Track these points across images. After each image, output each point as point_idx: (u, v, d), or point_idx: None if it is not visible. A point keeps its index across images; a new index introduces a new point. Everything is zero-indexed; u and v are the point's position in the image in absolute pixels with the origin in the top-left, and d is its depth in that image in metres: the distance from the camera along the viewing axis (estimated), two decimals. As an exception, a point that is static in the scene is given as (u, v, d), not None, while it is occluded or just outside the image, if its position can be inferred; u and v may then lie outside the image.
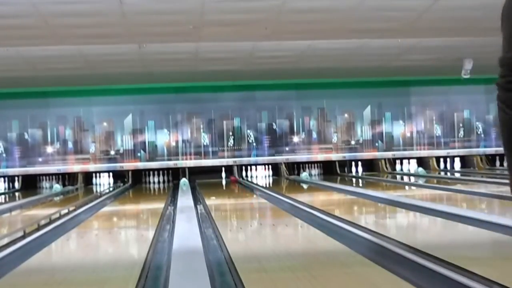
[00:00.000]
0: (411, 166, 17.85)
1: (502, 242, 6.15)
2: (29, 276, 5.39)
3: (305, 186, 15.22)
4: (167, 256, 5.96)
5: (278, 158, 16.73)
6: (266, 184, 15.59)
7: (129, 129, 16.35)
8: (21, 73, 13.28)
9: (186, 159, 16.45)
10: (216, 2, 8.38)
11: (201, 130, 16.56)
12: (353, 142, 16.93)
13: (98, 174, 16.98)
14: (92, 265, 5.80)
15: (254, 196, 12.73)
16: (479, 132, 17.33)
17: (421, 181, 15.28)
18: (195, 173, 16.77)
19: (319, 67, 14.10)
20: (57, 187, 16.13)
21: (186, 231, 7.43)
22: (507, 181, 12.44)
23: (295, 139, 16.78)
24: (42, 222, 8.43)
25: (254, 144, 16.66)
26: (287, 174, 17.08)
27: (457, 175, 16.51)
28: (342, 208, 10.28)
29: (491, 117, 17.37)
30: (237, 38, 10.76)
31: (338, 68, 14.31)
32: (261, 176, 17.15)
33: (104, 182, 16.98)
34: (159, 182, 17.02)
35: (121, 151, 16.30)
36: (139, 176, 17.08)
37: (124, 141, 16.32)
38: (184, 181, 15.60)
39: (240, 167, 16.95)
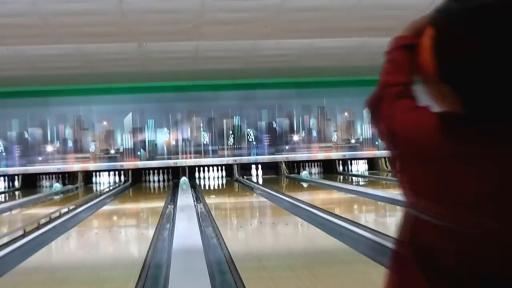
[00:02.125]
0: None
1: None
2: (29, 274, 5.39)
3: (305, 184, 15.22)
4: (167, 254, 5.96)
5: (278, 157, 16.73)
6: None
7: (129, 128, 16.35)
8: (21, 72, 13.27)
9: (186, 158, 16.45)
10: (215, 1, 8.38)
11: (201, 129, 16.55)
12: (353, 141, 16.93)
13: (98, 173, 16.99)
14: (92, 264, 5.80)
15: (254, 195, 12.74)
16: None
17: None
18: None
19: (319, 65, 14.09)
20: (57, 186, 16.13)
21: (186, 230, 7.44)
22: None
23: (295, 137, 16.77)
24: (42, 221, 8.43)
25: (254, 142, 16.66)
26: (287, 173, 17.08)
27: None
28: (342, 206, 10.29)
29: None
30: (237, 37, 10.75)
31: (338, 66, 14.30)
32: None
33: (104, 181, 16.99)
34: (159, 181, 17.03)
35: (121, 150, 16.30)
36: (139, 174, 17.09)
37: (124, 140, 16.32)
38: (184, 180, 15.60)
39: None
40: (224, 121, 16.60)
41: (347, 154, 16.99)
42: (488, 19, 1.13)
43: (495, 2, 1.13)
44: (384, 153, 17.19)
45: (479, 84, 1.14)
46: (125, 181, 16.80)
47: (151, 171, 17.08)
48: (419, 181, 1.25)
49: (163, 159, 16.40)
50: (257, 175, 17.37)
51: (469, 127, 1.16)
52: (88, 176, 16.95)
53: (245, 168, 17.27)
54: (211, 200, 12.16)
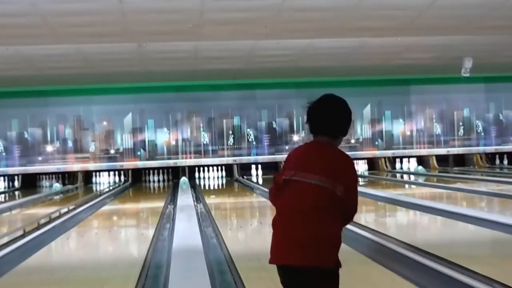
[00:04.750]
0: (411, 165, 17.86)
1: (502, 240, 6.15)
2: (29, 275, 5.39)
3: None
4: (167, 254, 5.96)
5: (278, 157, 16.72)
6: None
7: (129, 128, 16.34)
8: (21, 72, 13.26)
9: (186, 158, 16.45)
10: (215, 1, 8.37)
11: (201, 129, 16.55)
12: (353, 141, 16.93)
13: (98, 173, 16.99)
14: (92, 264, 5.80)
15: (254, 195, 12.74)
16: (479, 131, 17.33)
17: (421, 180, 15.28)
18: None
19: (319, 65, 14.08)
20: (57, 186, 16.13)
21: (186, 230, 7.44)
22: (507, 179, 12.42)
23: (295, 137, 16.77)
24: (42, 221, 8.43)
25: (254, 142, 16.66)
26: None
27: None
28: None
29: (491, 116, 17.37)
30: (236, 37, 10.74)
31: (338, 66, 14.29)
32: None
33: (104, 181, 16.99)
34: (159, 181, 17.03)
35: (121, 150, 16.30)
36: (139, 174, 17.09)
37: (124, 140, 16.32)
38: (184, 180, 15.60)
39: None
40: (224, 121, 16.60)
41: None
42: (311, 108, 2.85)
43: (313, 105, 2.87)
44: (384, 153, 17.20)
45: (311, 125, 2.81)
46: (125, 181, 16.80)
47: (151, 171, 17.08)
48: (292, 163, 2.77)
49: (163, 159, 16.40)
50: (257, 175, 17.38)
51: (314, 139, 2.82)
52: (88, 176, 16.96)
53: (245, 168, 17.28)
54: (211, 200, 12.17)
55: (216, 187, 15.66)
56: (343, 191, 2.67)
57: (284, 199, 2.71)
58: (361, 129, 16.94)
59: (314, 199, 2.64)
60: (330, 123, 2.80)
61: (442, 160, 17.94)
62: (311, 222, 2.64)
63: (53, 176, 16.90)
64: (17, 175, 16.54)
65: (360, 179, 16.07)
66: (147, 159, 16.35)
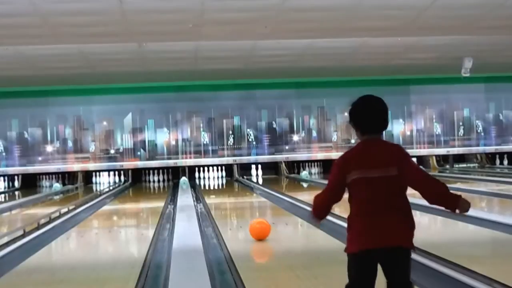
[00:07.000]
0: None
1: (502, 240, 6.16)
2: (29, 275, 5.39)
3: (305, 184, 15.23)
4: (167, 255, 5.97)
5: (278, 157, 16.73)
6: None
7: (129, 128, 16.34)
8: (21, 72, 13.26)
9: (186, 158, 16.45)
10: (215, 1, 8.37)
11: (201, 129, 16.55)
12: (353, 141, 16.92)
13: (98, 173, 16.99)
14: (92, 264, 5.80)
15: (254, 195, 12.74)
16: (479, 131, 17.33)
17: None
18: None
19: (319, 65, 14.08)
20: (57, 186, 16.14)
21: (186, 230, 7.45)
22: (507, 179, 12.41)
23: (295, 137, 16.77)
24: (42, 221, 8.44)
25: (254, 142, 16.66)
26: (287, 173, 17.09)
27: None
28: (342, 206, 10.27)
29: (491, 116, 17.37)
30: (237, 37, 10.74)
31: (338, 66, 14.29)
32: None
33: (104, 181, 16.99)
34: (159, 181, 17.04)
35: (121, 150, 16.30)
36: (139, 174, 17.09)
37: (124, 140, 16.32)
38: (184, 180, 15.60)
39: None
40: (224, 121, 16.59)
41: (347, 154, 16.97)
42: (356, 106, 3.08)
43: (357, 103, 3.07)
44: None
45: (359, 123, 3.07)
46: (125, 181, 16.81)
47: (151, 171, 17.09)
48: (354, 164, 3.09)
49: (163, 159, 16.40)
50: (257, 175, 17.38)
51: (365, 137, 3.07)
52: (88, 176, 16.96)
53: (245, 168, 17.28)
54: (211, 200, 12.17)
55: (216, 187, 15.67)
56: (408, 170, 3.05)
57: (363, 195, 3.17)
58: (361, 129, 16.92)
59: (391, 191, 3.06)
60: (385, 121, 3.10)
61: (442, 159, 17.97)
62: (397, 209, 3.04)
63: (53, 176, 16.91)
64: (17, 175, 16.54)
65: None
66: (147, 159, 16.35)
